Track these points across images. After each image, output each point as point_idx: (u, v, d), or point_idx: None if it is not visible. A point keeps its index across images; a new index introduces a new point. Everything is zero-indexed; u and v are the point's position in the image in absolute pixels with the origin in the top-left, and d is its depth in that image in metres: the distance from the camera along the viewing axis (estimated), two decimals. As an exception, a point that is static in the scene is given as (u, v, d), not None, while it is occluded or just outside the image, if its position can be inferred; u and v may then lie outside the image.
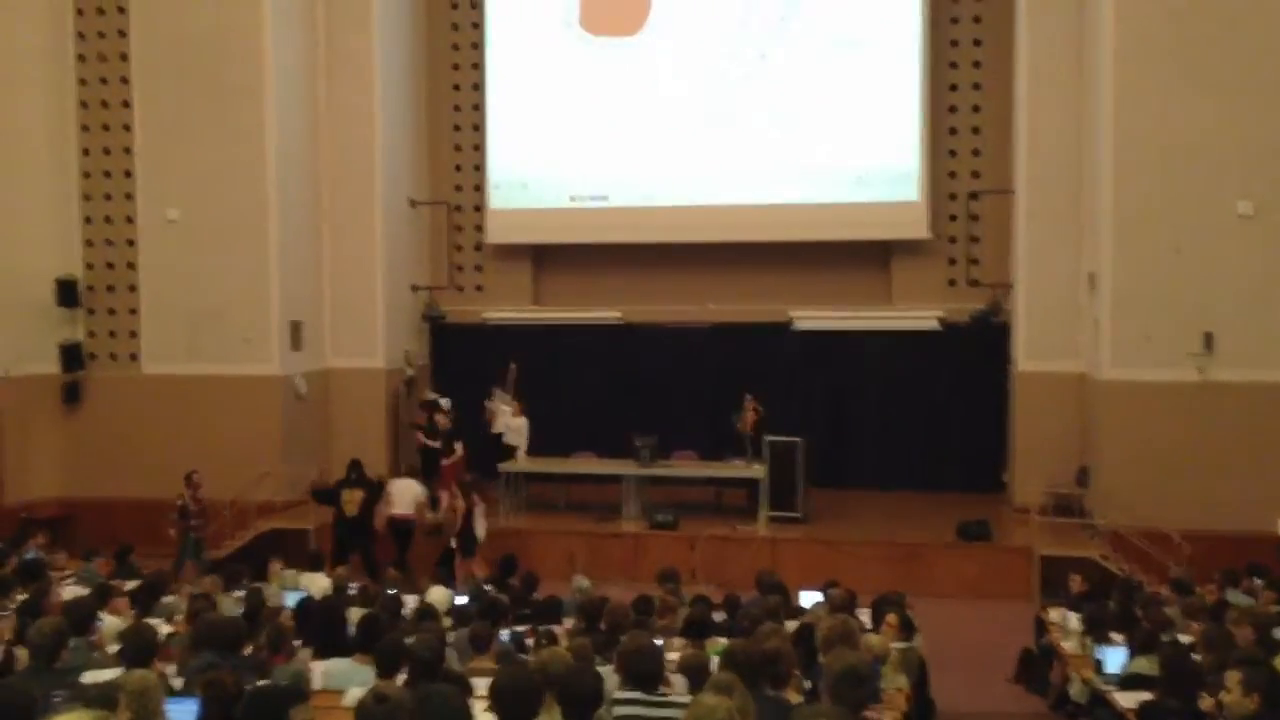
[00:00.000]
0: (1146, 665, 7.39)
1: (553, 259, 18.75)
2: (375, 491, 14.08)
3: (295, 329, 16.49)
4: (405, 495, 14.10)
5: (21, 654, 6.58)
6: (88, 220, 16.55)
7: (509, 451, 15.95)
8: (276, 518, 15.13)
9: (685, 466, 15.69)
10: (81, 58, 16.44)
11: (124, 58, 16.24)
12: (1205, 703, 6.12)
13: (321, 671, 6.74)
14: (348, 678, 6.45)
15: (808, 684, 6.49)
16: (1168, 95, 13.62)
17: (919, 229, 17.14)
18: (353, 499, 13.91)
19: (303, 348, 16.64)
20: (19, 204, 15.84)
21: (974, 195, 17.12)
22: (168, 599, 8.80)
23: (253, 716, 4.06)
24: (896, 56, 16.97)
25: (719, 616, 8.87)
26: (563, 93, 17.99)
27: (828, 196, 17.11)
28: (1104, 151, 14.08)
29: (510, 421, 16.12)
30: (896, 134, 17.00)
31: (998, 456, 16.64)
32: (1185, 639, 7.96)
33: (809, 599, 9.52)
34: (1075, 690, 8.55)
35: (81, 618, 6.99)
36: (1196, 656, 6.97)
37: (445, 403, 16.77)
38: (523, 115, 18.15)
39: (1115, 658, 7.81)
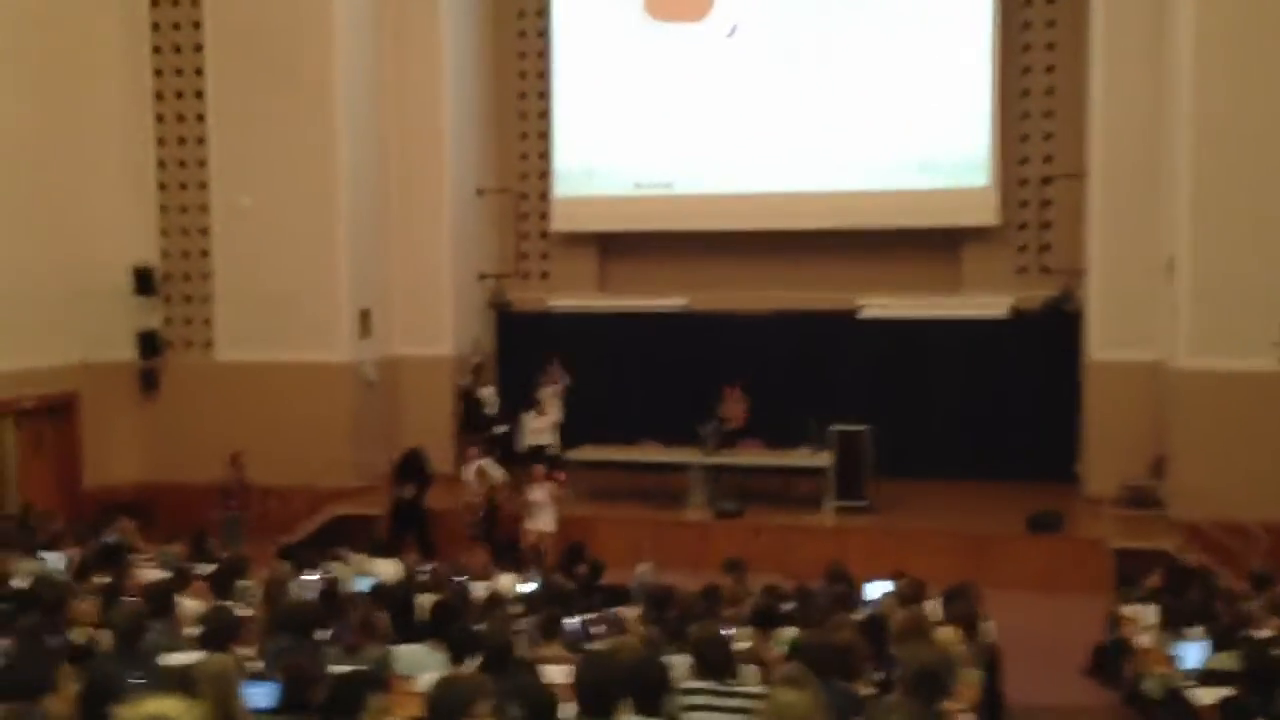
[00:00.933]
0: (1227, 661, 7.24)
1: (618, 246, 18.76)
2: (427, 481, 14.29)
3: (364, 316, 16.69)
4: (469, 471, 14.38)
5: (103, 636, 6.73)
6: (163, 209, 16.86)
7: (537, 452, 15.71)
8: (346, 503, 15.34)
9: (750, 455, 15.63)
10: (157, 48, 16.72)
11: (198, 48, 16.49)
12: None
13: (395, 657, 6.82)
14: (421, 663, 6.52)
15: (879, 675, 6.46)
16: (1249, 75, 13.25)
17: (989, 215, 16.88)
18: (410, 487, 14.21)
19: (371, 335, 16.85)
20: (96, 194, 16.17)
21: (1046, 180, 16.81)
22: (244, 583, 8.96)
23: (336, 700, 4.11)
24: (967, 38, 16.69)
25: (787, 606, 8.83)
26: (628, 80, 17.96)
27: (895, 183, 16.91)
28: (1182, 133, 13.74)
29: (533, 424, 16.11)
30: (966, 118, 16.75)
31: (1070, 446, 16.36)
32: (1266, 633, 7.79)
33: (876, 589, 9.45)
34: (1151, 685, 8.39)
35: (162, 601, 7.16)
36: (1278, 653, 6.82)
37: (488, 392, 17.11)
38: (588, 103, 18.17)
39: (1193, 653, 7.66)
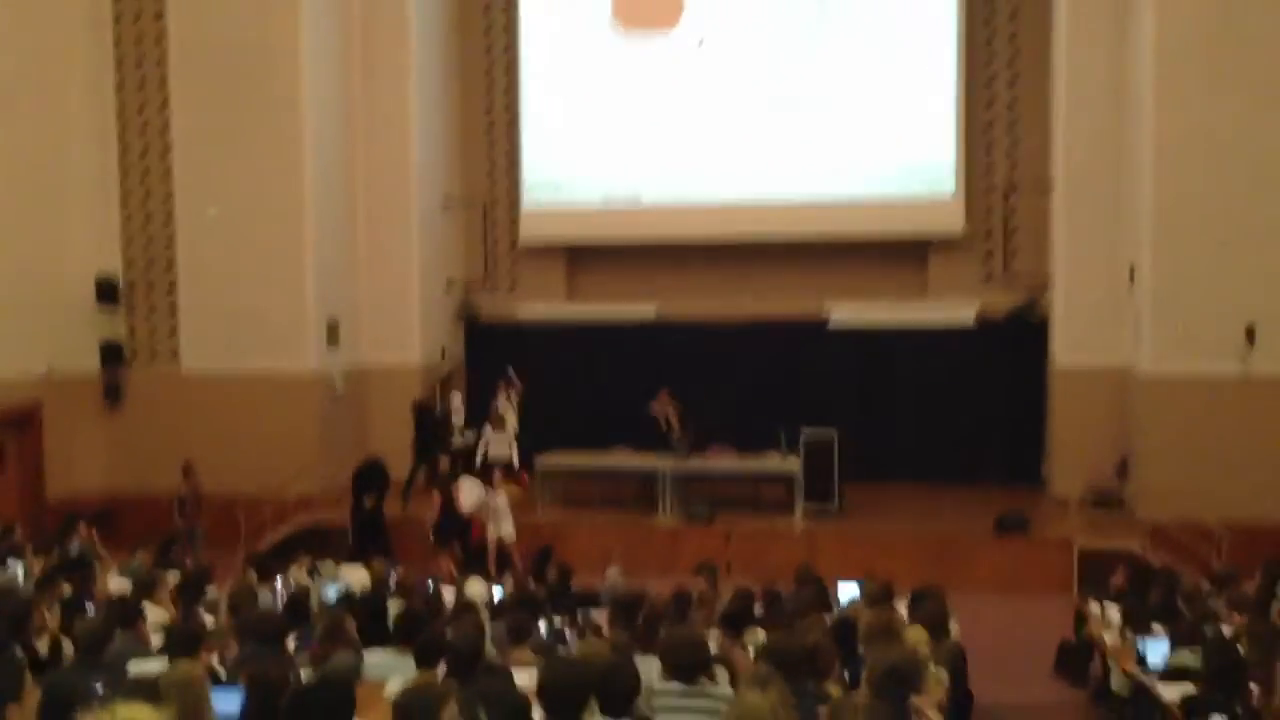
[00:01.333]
0: (1189, 658, 7.32)
1: (586, 256, 18.78)
2: (384, 490, 14.43)
3: (332, 326, 16.62)
4: (471, 495, 14.21)
5: (68, 646, 6.67)
6: (128, 219, 16.74)
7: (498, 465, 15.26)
8: (314, 512, 15.25)
9: (721, 461, 15.67)
10: (121, 61, 16.62)
11: (161, 60, 16.39)
12: (1249, 696, 6.07)
13: (364, 662, 6.78)
14: (389, 669, 6.49)
15: (846, 675, 6.49)
16: (1210, 87, 13.45)
17: (955, 223, 17.04)
18: (370, 496, 14.16)
19: (339, 345, 16.78)
20: (60, 203, 16.05)
21: (1011, 189, 16.99)
22: (211, 591, 8.89)
23: (311, 709, 4.08)
24: (932, 49, 16.89)
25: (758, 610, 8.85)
26: (596, 91, 18.03)
27: (863, 191, 17.05)
28: (1145, 144, 13.94)
29: (492, 437, 15.97)
30: (933, 128, 16.92)
31: (1036, 450, 16.52)
32: (1228, 631, 7.88)
33: (846, 591, 9.50)
34: (1116, 683, 8.48)
35: (127, 611, 7.09)
36: (1240, 649, 6.90)
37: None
38: (556, 114, 18.21)
39: (1157, 650, 7.74)
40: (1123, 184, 14.97)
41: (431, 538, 13.75)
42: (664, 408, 15.70)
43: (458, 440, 16.48)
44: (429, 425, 16.29)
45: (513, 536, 13.86)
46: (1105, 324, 15.21)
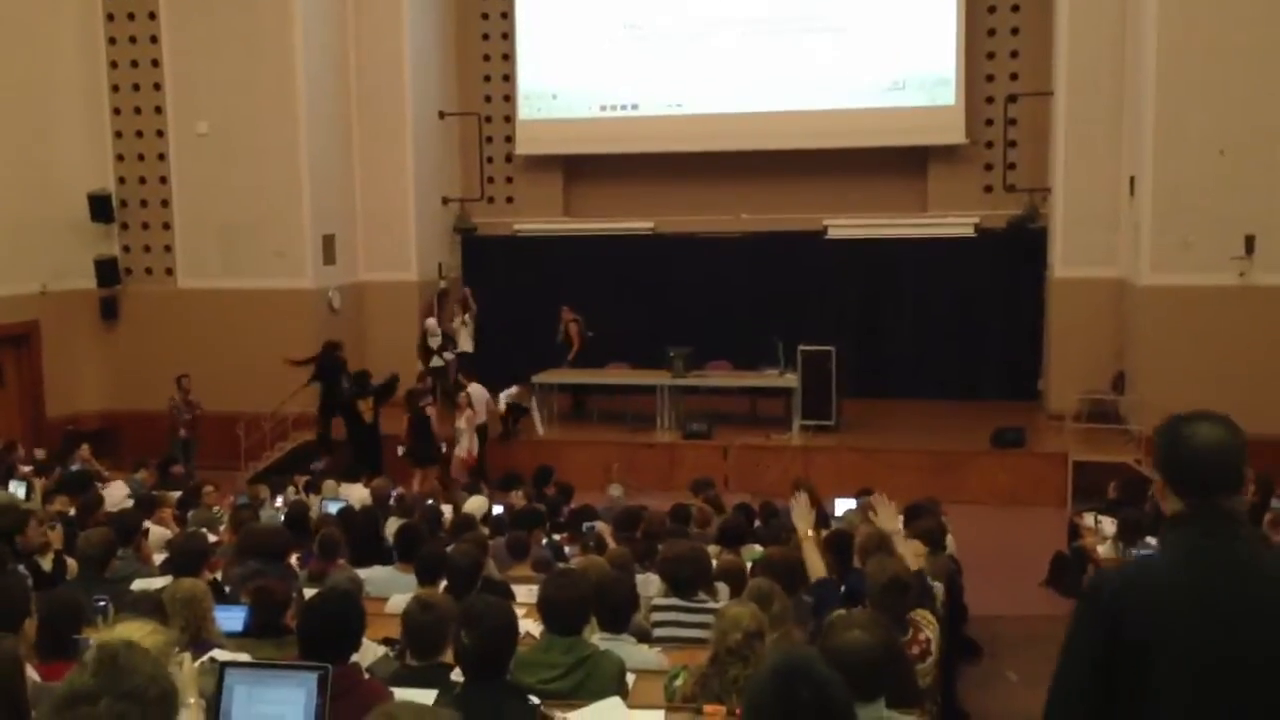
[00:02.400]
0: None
1: (584, 170, 18.60)
2: (385, 393, 14.42)
3: (328, 242, 16.52)
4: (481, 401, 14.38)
5: (72, 564, 6.73)
6: (118, 135, 16.54)
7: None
8: (312, 429, 15.30)
9: (719, 376, 15.71)
10: (107, -31, 16.31)
11: (149, -32, 16.08)
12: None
13: (363, 579, 6.85)
14: (389, 585, 6.56)
15: (843, 589, 6.56)
16: (1214, -7, 13.22)
17: (956, 134, 16.85)
18: (367, 406, 14.13)
19: (336, 261, 16.70)
20: (49, 120, 15.84)
21: (1012, 98, 16.74)
22: (214, 509, 8.97)
23: (324, 623, 4.11)
24: (933, -45, 16.54)
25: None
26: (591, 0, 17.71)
27: (863, 102, 16.82)
28: (1147, 52, 13.71)
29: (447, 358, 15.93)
30: (933, 36, 16.64)
31: (1033, 364, 16.55)
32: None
33: (843, 507, 9.58)
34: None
35: (128, 528, 7.15)
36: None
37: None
38: (552, 23, 17.89)
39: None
40: (1124, 93, 14.78)
41: (404, 456, 13.85)
42: (572, 327, 15.80)
43: (436, 361, 16.38)
44: (333, 370, 14.98)
45: (473, 456, 13.99)
46: (1104, 235, 15.13)
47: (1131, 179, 14.44)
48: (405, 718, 2.47)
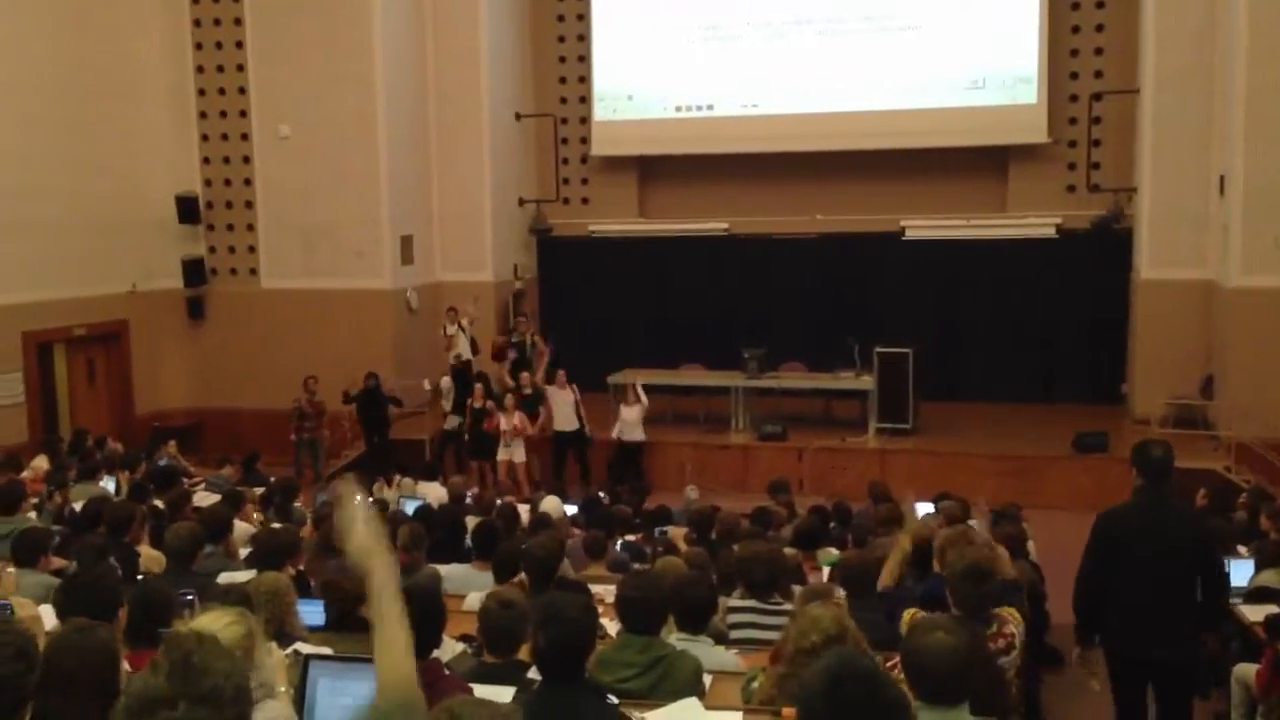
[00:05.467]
0: (1274, 578, 7.21)
1: (658, 170, 18.61)
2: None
3: (406, 243, 16.73)
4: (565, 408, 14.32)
5: (159, 556, 6.88)
6: (204, 138, 16.90)
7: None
8: (390, 428, 15.48)
9: (793, 378, 15.60)
10: (194, -24, 16.69)
11: (235, -24, 16.43)
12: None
13: (442, 575, 6.92)
14: (466, 582, 6.61)
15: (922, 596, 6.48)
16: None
17: (1037, 133, 16.54)
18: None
19: (414, 261, 16.90)
20: (139, 123, 16.23)
21: (1097, 96, 16.39)
22: (296, 505, 9.12)
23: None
24: (1015, -49, 16.26)
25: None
26: (667, 1, 17.67)
27: (942, 101, 16.59)
28: (1237, 47, 13.37)
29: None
30: (1015, 33, 16.35)
31: (1117, 367, 16.20)
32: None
33: (920, 511, 9.45)
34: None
35: (217, 523, 7.29)
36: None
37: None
38: (628, 24, 17.90)
39: (1241, 570, 7.62)
40: (1214, 90, 14.38)
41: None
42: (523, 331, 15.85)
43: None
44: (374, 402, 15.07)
45: (523, 460, 14.07)
46: (1192, 235, 14.75)
47: (1221, 178, 14.07)
48: (467, 712, 2.48)
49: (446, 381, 15.25)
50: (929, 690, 3.40)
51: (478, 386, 14.63)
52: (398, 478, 11.50)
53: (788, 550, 7.73)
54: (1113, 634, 5.65)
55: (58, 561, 6.63)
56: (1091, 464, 13.52)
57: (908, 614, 5.20)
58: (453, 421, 15.00)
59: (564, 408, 14.32)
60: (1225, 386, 13.82)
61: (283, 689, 3.65)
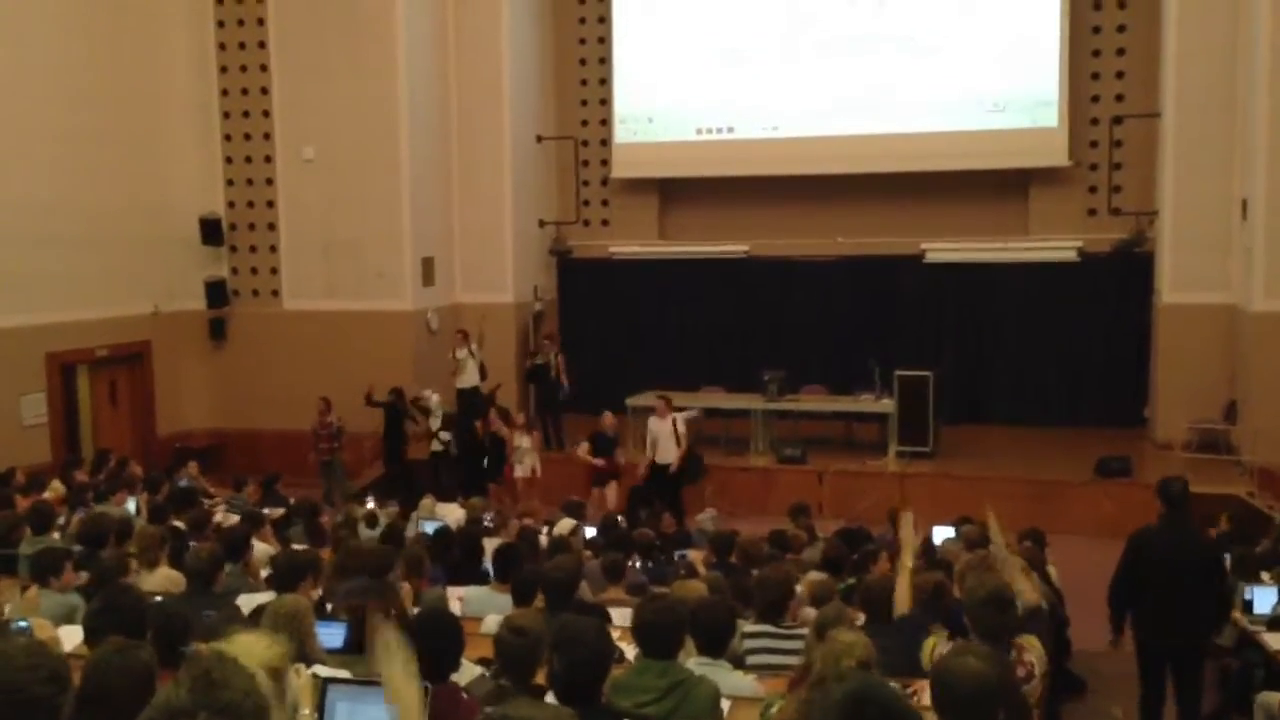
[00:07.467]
0: (1299, 607, 7.13)
1: (679, 193, 18.66)
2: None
3: (427, 265, 16.81)
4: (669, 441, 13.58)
5: (179, 577, 6.89)
6: (228, 160, 17.05)
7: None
8: (411, 449, 15.51)
9: (813, 401, 15.57)
10: (219, 0, 16.85)
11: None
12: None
13: (459, 598, 6.92)
14: (485, 605, 6.60)
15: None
16: (1332, 8, 12.79)
17: (1058, 156, 16.52)
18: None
19: (435, 283, 16.98)
20: (163, 144, 16.38)
21: (1118, 120, 16.37)
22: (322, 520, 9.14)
23: (423, 643, 4.14)
24: (1036, -25, 16.27)
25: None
26: (688, 23, 17.75)
27: (962, 124, 16.59)
28: (1259, 70, 13.32)
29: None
30: (1035, 56, 16.34)
31: (1139, 391, 16.10)
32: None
33: (941, 535, 9.41)
34: (1222, 631, 8.28)
35: (236, 544, 7.31)
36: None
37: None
38: (648, 47, 17.99)
39: (1265, 598, 7.55)
40: (1236, 112, 14.34)
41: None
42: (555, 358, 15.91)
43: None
44: (397, 416, 15.17)
45: (535, 476, 14.02)
46: (1215, 259, 14.68)
47: (1244, 201, 14.01)
48: (521, 715, 2.47)
49: (436, 399, 15.10)
50: (957, 717, 3.38)
51: (492, 411, 14.63)
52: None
53: (815, 575, 7.71)
54: (1141, 627, 7.09)
55: (75, 577, 6.64)
56: (1114, 489, 13.42)
57: (929, 642, 5.18)
58: (438, 443, 14.94)
59: (666, 441, 13.47)
60: (1248, 411, 13.72)
61: (306, 710, 3.65)
